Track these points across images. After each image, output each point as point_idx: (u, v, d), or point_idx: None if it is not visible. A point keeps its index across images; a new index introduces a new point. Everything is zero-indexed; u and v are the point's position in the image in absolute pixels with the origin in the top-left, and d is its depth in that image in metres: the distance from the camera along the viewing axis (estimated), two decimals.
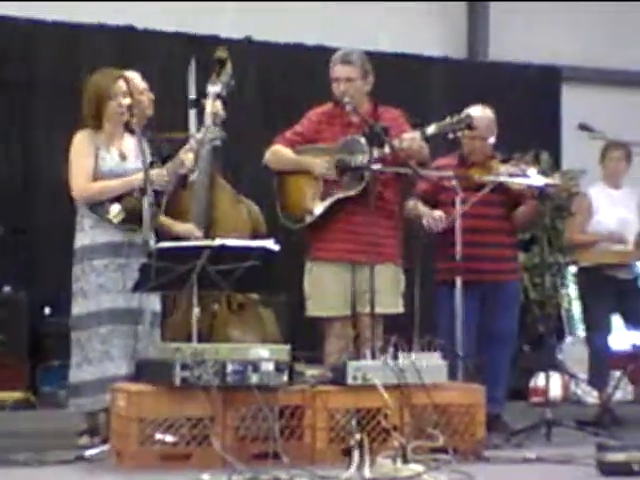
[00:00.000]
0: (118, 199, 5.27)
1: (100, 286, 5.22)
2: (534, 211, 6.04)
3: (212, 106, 5.76)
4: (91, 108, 5.34)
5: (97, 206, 5.28)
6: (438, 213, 5.78)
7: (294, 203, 5.61)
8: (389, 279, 5.47)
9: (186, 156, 5.40)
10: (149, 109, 5.82)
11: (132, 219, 5.23)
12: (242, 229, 5.69)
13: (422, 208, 5.88)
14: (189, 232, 5.60)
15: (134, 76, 5.76)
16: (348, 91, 5.48)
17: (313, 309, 5.56)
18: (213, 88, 5.84)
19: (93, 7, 8.36)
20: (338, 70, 5.54)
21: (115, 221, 5.24)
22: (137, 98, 5.52)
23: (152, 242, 4.99)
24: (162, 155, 5.62)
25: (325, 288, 5.51)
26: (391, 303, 5.48)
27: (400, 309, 5.56)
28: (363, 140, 5.43)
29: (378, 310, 5.22)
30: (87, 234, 5.29)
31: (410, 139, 5.40)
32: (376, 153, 5.34)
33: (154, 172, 5.25)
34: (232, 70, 5.88)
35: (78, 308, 5.27)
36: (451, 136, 5.55)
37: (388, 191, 5.55)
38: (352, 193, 5.45)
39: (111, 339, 5.18)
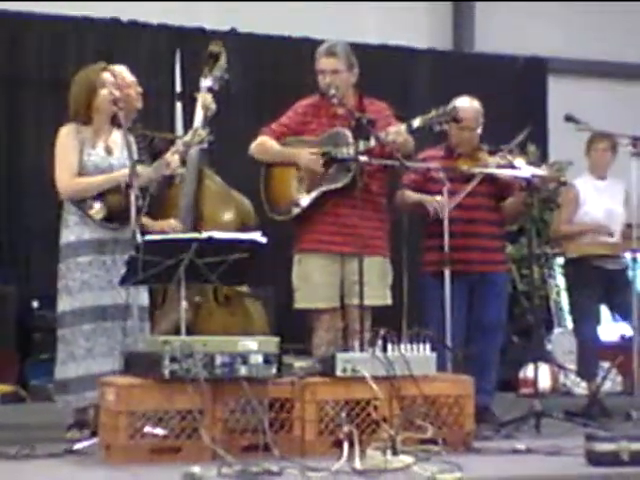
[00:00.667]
0: (102, 195, 5.25)
1: (84, 283, 5.21)
2: (521, 202, 6.05)
3: (204, 99, 5.76)
4: (80, 101, 5.31)
5: (81, 202, 5.26)
6: (440, 197, 5.76)
7: (280, 195, 5.61)
8: (377, 271, 5.47)
9: (172, 158, 5.38)
10: (138, 102, 5.81)
11: (115, 216, 5.22)
12: (228, 225, 5.67)
13: (421, 195, 5.88)
14: (170, 227, 5.58)
15: (121, 70, 5.74)
16: (334, 83, 5.47)
17: (301, 301, 5.56)
18: (205, 82, 5.86)
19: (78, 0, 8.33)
20: (323, 62, 5.54)
21: (97, 218, 5.22)
22: (125, 92, 5.50)
23: (138, 236, 4.96)
24: (155, 151, 5.61)
25: (313, 280, 5.51)
26: (379, 295, 5.49)
27: (388, 301, 5.57)
28: (348, 132, 5.44)
29: (366, 302, 5.22)
30: (72, 231, 5.27)
31: (395, 132, 5.40)
32: (362, 145, 5.35)
33: (139, 168, 5.23)
34: (226, 63, 5.88)
35: (62, 305, 5.26)
36: (437, 128, 5.54)
37: (375, 183, 5.55)
38: (339, 185, 5.45)
39: (95, 336, 5.17)
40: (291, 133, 5.63)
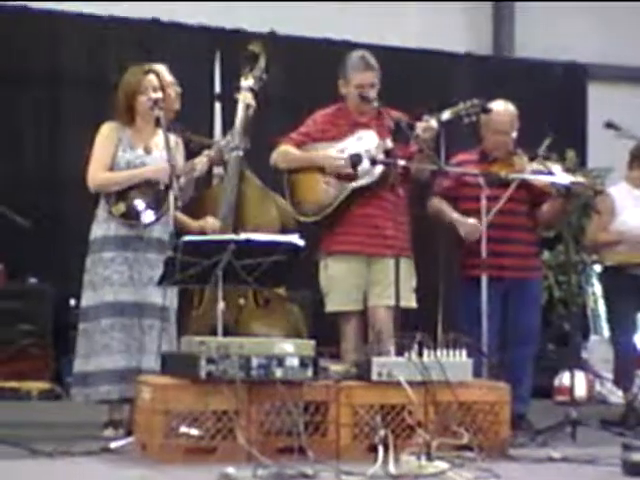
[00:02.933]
0: (126, 192, 5.27)
1: (105, 278, 5.25)
2: (558, 209, 6.01)
3: (244, 98, 5.80)
4: (123, 104, 5.37)
5: (109, 197, 5.31)
6: (472, 221, 5.75)
7: (309, 198, 5.62)
8: (403, 272, 5.45)
9: (199, 160, 5.41)
10: (176, 103, 5.83)
11: (136, 214, 5.24)
12: (271, 225, 5.67)
13: (454, 215, 5.86)
14: (209, 226, 5.58)
15: (161, 69, 5.77)
16: (373, 96, 5.50)
17: (331, 304, 5.57)
18: (246, 82, 5.90)
19: (119, 0, 8.38)
20: (366, 77, 5.54)
21: (116, 214, 5.25)
22: (165, 92, 5.53)
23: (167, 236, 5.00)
24: (191, 153, 5.63)
25: (342, 283, 5.52)
26: (404, 297, 5.43)
27: (413, 304, 5.55)
28: (374, 134, 5.44)
29: (390, 303, 5.23)
30: (100, 226, 5.33)
31: (424, 127, 5.38)
32: (387, 145, 5.37)
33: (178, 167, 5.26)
34: (265, 64, 5.91)
35: (86, 300, 5.31)
36: (466, 121, 5.51)
37: (401, 187, 5.52)
38: (367, 182, 5.45)
39: (112, 332, 5.20)
40: (310, 141, 5.66)
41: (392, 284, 5.23)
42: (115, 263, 5.25)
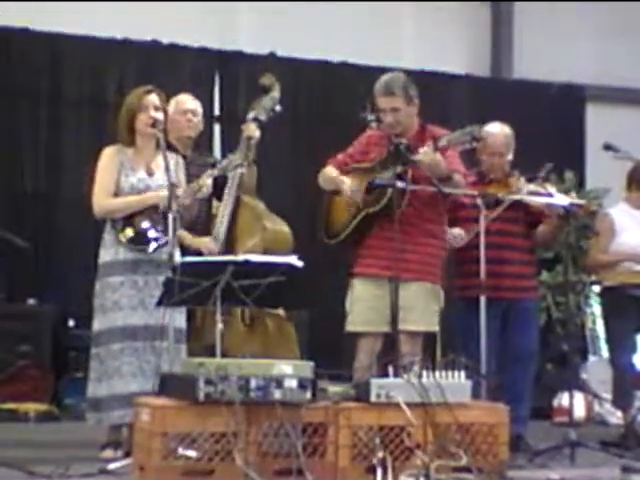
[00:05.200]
0: (132, 217, 5.29)
1: (115, 303, 5.27)
2: (554, 230, 6.03)
3: (247, 129, 5.93)
4: (124, 123, 5.40)
5: (115, 223, 5.32)
6: (457, 231, 5.78)
7: (333, 220, 5.69)
8: (424, 297, 5.46)
9: (204, 182, 5.43)
10: (187, 130, 5.90)
11: (144, 239, 5.26)
12: (252, 250, 5.69)
13: None
14: (205, 247, 5.62)
15: (186, 98, 5.91)
16: (395, 120, 5.49)
17: (348, 324, 5.60)
18: (251, 114, 6.03)
19: (119, 22, 8.41)
20: (382, 102, 5.52)
21: (123, 240, 5.27)
22: (176, 117, 5.60)
23: (177, 257, 5.00)
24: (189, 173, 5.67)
25: (359, 304, 5.54)
26: (425, 321, 5.48)
27: (434, 328, 5.57)
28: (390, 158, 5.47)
29: (411, 328, 5.24)
30: (108, 251, 5.34)
31: (423, 153, 5.40)
32: (397, 170, 5.37)
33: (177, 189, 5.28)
34: (279, 94, 5.98)
35: (98, 324, 5.32)
36: (459, 148, 5.52)
37: (427, 210, 5.53)
38: (376, 209, 5.46)
39: (123, 356, 5.22)
40: (353, 162, 5.68)
41: (414, 309, 5.29)
42: (124, 287, 5.27)
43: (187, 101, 6.00)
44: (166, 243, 5.21)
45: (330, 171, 5.70)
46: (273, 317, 5.84)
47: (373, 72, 5.84)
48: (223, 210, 5.86)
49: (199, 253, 5.54)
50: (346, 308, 5.62)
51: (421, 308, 5.45)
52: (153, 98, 5.37)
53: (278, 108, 6.04)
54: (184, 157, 5.68)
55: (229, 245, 5.81)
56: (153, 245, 5.27)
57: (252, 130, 5.94)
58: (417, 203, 5.46)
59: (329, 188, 5.71)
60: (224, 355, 4.99)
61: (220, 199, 5.89)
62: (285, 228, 5.98)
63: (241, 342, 5.69)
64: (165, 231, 5.22)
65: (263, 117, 6.00)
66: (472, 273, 5.70)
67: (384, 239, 5.45)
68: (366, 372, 5.18)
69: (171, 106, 5.82)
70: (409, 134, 5.54)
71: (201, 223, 5.84)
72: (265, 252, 5.67)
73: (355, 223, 5.55)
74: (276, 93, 6.04)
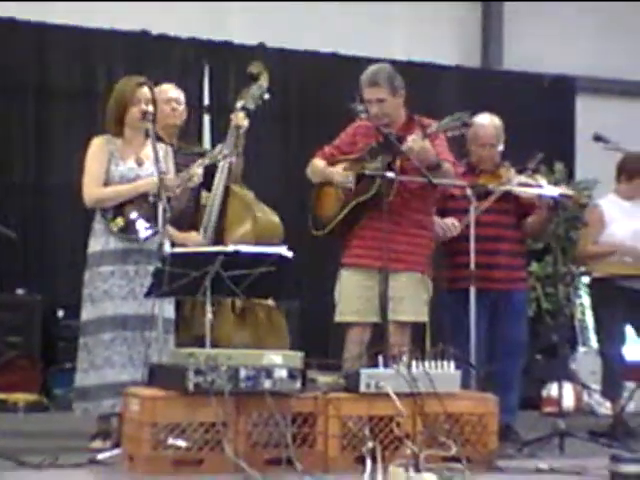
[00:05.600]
0: (122, 206, 5.28)
1: (105, 292, 5.25)
2: (544, 221, 6.04)
3: (236, 118, 5.90)
4: (113, 114, 5.38)
5: (105, 212, 5.31)
6: (450, 220, 5.79)
7: (322, 212, 5.68)
8: (413, 287, 5.47)
9: (195, 171, 5.42)
10: (172, 119, 5.88)
11: (134, 228, 5.25)
12: (241, 240, 5.69)
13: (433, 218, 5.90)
14: (191, 241, 5.62)
15: (168, 87, 5.91)
16: (381, 111, 5.49)
17: (337, 315, 5.60)
18: (239, 102, 6.00)
19: (107, 12, 8.39)
20: (367, 92, 5.53)
21: (114, 229, 5.26)
22: (161, 107, 5.58)
23: (167, 247, 4.99)
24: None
25: (347, 294, 5.54)
26: (414, 311, 5.49)
27: (424, 317, 5.58)
28: (379, 148, 5.46)
29: (401, 318, 5.24)
30: (98, 240, 5.32)
31: (411, 140, 5.40)
32: (386, 160, 5.37)
33: (167, 178, 5.27)
34: (267, 83, 5.97)
35: (86, 314, 5.30)
36: (449, 134, 5.51)
37: (416, 201, 5.54)
38: (362, 199, 5.46)
39: (114, 346, 5.20)
40: (340, 153, 5.68)
41: (404, 299, 5.31)
42: (114, 277, 5.25)
43: (170, 90, 5.98)
44: (156, 233, 5.20)
45: (318, 163, 5.71)
46: (263, 307, 5.84)
47: (363, 63, 5.82)
48: (212, 200, 5.86)
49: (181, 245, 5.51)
50: (335, 298, 5.63)
51: (411, 298, 5.46)
52: (145, 91, 5.34)
53: (266, 97, 6.03)
54: (171, 146, 5.67)
55: (219, 235, 5.81)
56: (144, 233, 5.25)
57: (240, 119, 5.94)
58: (406, 193, 5.47)
59: (318, 180, 5.71)
60: (214, 345, 4.99)
61: (209, 189, 5.88)
62: (275, 218, 5.98)
63: (232, 332, 5.70)
64: (155, 221, 5.20)
65: (251, 106, 5.99)
66: (462, 264, 5.71)
67: (373, 229, 5.45)
68: (356, 362, 5.18)
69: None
70: (396, 125, 5.54)
71: (189, 214, 5.83)
72: (256, 242, 5.66)
73: (344, 213, 5.55)
74: (264, 82, 6.03)
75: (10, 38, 8.21)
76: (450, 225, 5.79)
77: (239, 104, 6.01)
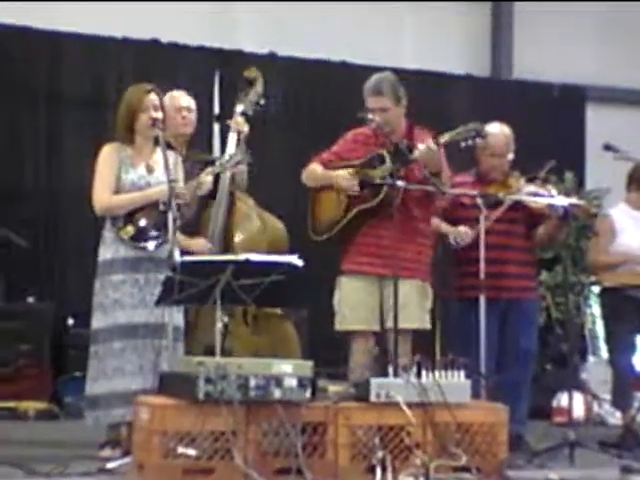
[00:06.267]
0: (133, 214, 5.28)
1: (116, 301, 5.25)
2: (554, 231, 6.03)
3: (236, 124, 5.88)
4: (123, 121, 5.39)
5: (115, 220, 5.31)
6: (463, 228, 5.79)
7: (322, 217, 5.67)
8: (415, 294, 5.47)
9: (205, 179, 5.43)
10: (183, 127, 5.89)
11: (144, 236, 5.25)
12: (254, 246, 5.70)
13: (445, 226, 5.90)
14: (198, 247, 5.62)
15: (179, 94, 5.89)
16: (384, 120, 5.49)
17: (339, 323, 5.58)
18: (239, 107, 5.99)
19: (118, 20, 8.42)
20: (371, 102, 5.53)
21: (124, 237, 5.26)
22: (171, 115, 5.58)
23: (177, 255, 4.99)
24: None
25: (350, 302, 5.53)
26: (417, 319, 5.48)
27: (427, 325, 5.56)
28: (386, 155, 5.46)
29: (404, 326, 5.23)
30: (109, 248, 5.32)
31: (425, 148, 5.40)
32: (392, 168, 5.38)
33: (177, 186, 5.27)
34: (263, 88, 5.96)
35: (97, 322, 5.30)
36: (462, 145, 5.52)
37: (418, 209, 5.54)
38: (368, 206, 5.46)
39: (124, 354, 5.20)
40: (339, 159, 5.67)
41: (406, 307, 5.28)
42: (125, 285, 5.25)
43: (181, 97, 5.98)
44: (166, 241, 5.20)
45: (316, 168, 5.69)
46: (275, 316, 5.83)
47: (373, 72, 5.82)
48: (217, 208, 5.85)
49: (191, 254, 5.52)
50: (334, 306, 5.61)
51: (414, 306, 5.45)
52: (153, 98, 5.36)
53: (262, 102, 6.02)
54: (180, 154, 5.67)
55: (226, 242, 5.79)
56: (153, 243, 5.26)
57: (241, 124, 5.92)
58: (410, 202, 5.46)
59: (316, 184, 5.68)
60: (228, 354, 4.98)
61: (214, 197, 5.87)
62: (279, 223, 5.99)
63: (246, 344, 5.67)
64: (165, 229, 5.21)
65: (250, 111, 5.99)
66: (471, 273, 5.70)
67: (374, 236, 5.47)
68: (363, 371, 5.18)
69: (165, 103, 5.80)
70: (397, 134, 5.55)
71: (193, 223, 5.82)
72: (269, 250, 5.65)
73: (347, 220, 5.54)
74: (259, 87, 6.01)
75: (22, 45, 8.25)
76: (463, 233, 5.79)
77: (239, 108, 5.98)
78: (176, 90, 6.01)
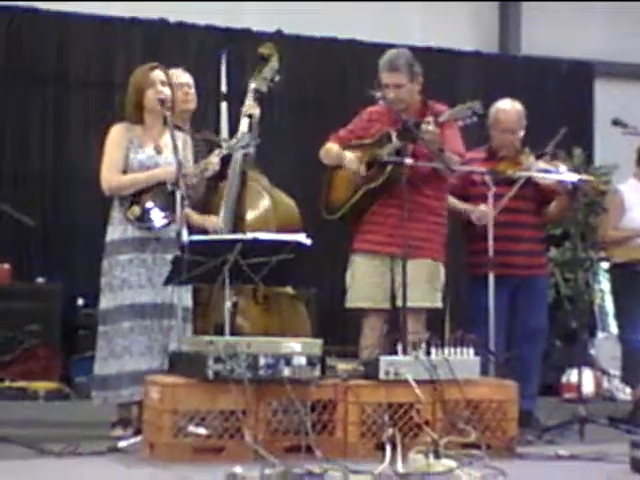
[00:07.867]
0: (139, 194, 5.28)
1: (124, 281, 5.25)
2: (564, 207, 6.02)
3: (248, 106, 5.86)
4: (131, 100, 5.39)
5: (123, 200, 5.31)
6: (484, 207, 5.76)
7: (334, 196, 5.68)
8: (426, 273, 5.46)
9: (213, 160, 5.42)
10: (185, 104, 5.86)
11: (150, 216, 5.25)
12: (265, 224, 5.69)
13: (463, 205, 5.88)
14: (210, 223, 5.62)
15: (178, 71, 5.86)
16: (398, 97, 5.47)
17: (349, 301, 5.59)
18: (252, 84, 5.95)
19: (126, 1, 8.39)
20: (386, 77, 5.51)
21: (130, 217, 5.26)
22: (173, 89, 5.55)
23: (185, 235, 4.99)
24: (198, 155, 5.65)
25: (360, 280, 5.53)
26: (428, 298, 5.47)
27: (438, 304, 5.56)
28: (393, 133, 5.44)
29: (415, 304, 5.23)
30: (116, 228, 5.33)
31: (426, 126, 5.38)
32: (397, 146, 5.36)
33: (185, 167, 5.27)
34: (278, 65, 5.93)
35: (105, 302, 5.31)
36: (461, 123, 5.49)
37: (429, 187, 5.53)
38: (375, 185, 5.45)
39: (133, 334, 5.21)
40: (354, 137, 5.66)
41: (417, 285, 5.27)
42: (132, 265, 5.25)
43: (180, 75, 5.93)
44: (172, 222, 5.21)
45: (331, 146, 5.69)
46: (285, 295, 5.84)
47: (381, 49, 5.79)
48: (229, 188, 5.84)
49: (205, 232, 5.53)
50: (346, 284, 5.62)
51: (424, 284, 5.44)
52: (159, 74, 5.36)
53: (277, 78, 5.98)
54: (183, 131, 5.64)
55: (237, 221, 5.79)
56: (159, 222, 5.26)
57: (252, 108, 5.89)
58: (417, 180, 5.44)
59: (331, 163, 5.69)
60: (238, 334, 4.99)
61: (225, 177, 5.86)
62: (291, 201, 5.99)
63: (257, 322, 5.68)
64: (172, 210, 5.21)
65: (264, 88, 5.95)
66: (482, 250, 5.69)
67: (384, 215, 5.47)
68: (373, 349, 5.19)
69: None
70: (411, 110, 5.53)
71: (200, 205, 5.81)
72: (280, 228, 5.65)
73: (355, 199, 5.54)
74: (275, 63, 5.97)
75: (30, 26, 8.25)
76: (484, 212, 5.75)
77: (252, 86, 5.93)
78: (174, 69, 5.93)
